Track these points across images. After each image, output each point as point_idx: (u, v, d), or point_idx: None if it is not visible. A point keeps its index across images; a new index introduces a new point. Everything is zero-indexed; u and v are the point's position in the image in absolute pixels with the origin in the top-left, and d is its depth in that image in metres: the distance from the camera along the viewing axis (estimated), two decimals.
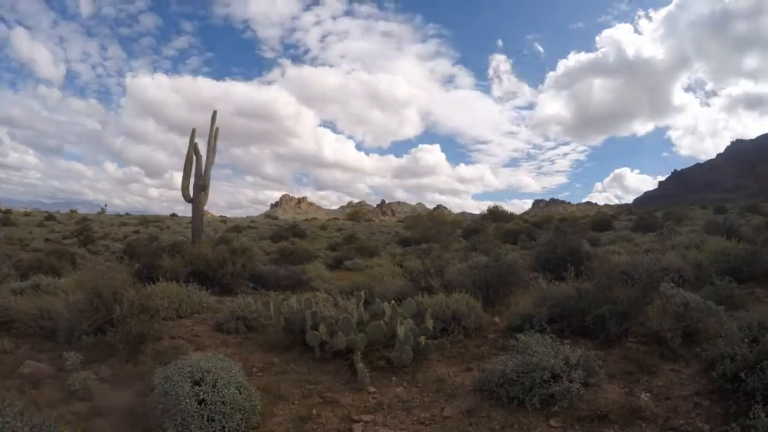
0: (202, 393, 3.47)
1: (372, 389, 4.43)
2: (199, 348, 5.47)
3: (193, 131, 14.81)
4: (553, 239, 9.76)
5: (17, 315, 5.82)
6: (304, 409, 4.02)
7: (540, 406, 3.71)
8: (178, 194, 14.40)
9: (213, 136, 14.99)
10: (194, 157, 14.50)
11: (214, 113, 15.27)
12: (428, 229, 24.40)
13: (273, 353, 5.38)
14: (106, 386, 4.30)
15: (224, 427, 3.41)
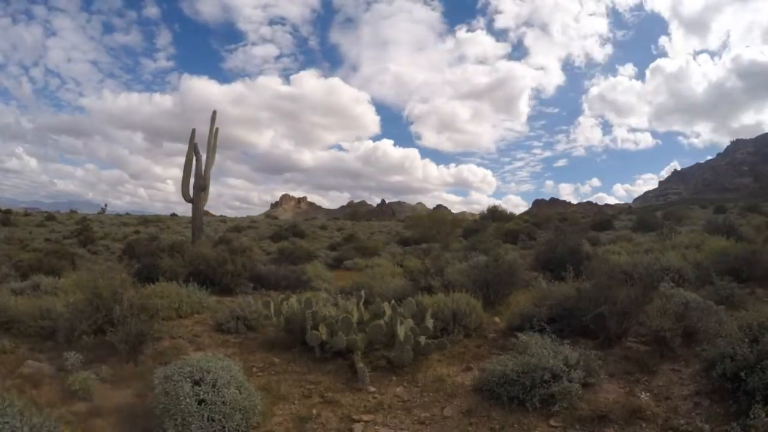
0: (202, 393, 3.47)
1: (372, 389, 4.43)
2: (199, 348, 5.47)
3: (193, 132, 14.77)
4: (553, 239, 9.77)
5: (17, 315, 5.82)
6: (304, 409, 4.02)
7: (540, 406, 3.71)
8: (169, 195, 14.47)
9: (213, 136, 14.96)
10: (194, 158, 14.49)
11: (214, 113, 15.22)
12: (428, 229, 24.36)
13: (273, 353, 5.38)
14: (106, 386, 4.30)
15: (224, 427, 3.40)
